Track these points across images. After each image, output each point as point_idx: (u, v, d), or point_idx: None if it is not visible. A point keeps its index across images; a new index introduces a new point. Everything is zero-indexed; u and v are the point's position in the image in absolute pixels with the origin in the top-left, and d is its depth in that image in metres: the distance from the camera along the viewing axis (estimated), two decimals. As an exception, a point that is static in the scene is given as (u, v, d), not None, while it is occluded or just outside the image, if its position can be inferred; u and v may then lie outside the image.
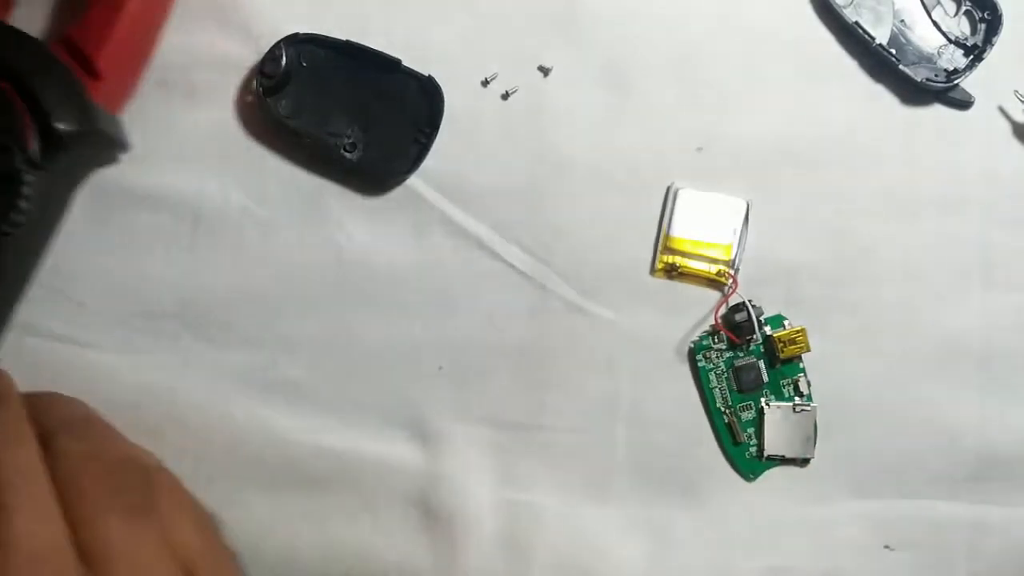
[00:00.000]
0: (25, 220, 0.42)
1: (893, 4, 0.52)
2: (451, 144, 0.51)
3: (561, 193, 0.51)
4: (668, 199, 0.51)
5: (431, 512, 0.50)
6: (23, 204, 0.41)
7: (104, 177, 0.50)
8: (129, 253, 0.50)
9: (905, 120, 0.52)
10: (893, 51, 0.51)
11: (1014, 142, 0.52)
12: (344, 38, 0.50)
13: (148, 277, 0.50)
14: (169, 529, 0.39)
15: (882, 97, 0.52)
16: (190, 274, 0.50)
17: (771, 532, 0.51)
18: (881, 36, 0.52)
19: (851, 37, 0.52)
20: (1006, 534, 0.51)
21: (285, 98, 0.50)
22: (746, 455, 0.51)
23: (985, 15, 0.52)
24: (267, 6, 0.51)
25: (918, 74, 0.51)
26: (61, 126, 0.43)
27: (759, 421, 0.51)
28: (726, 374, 0.51)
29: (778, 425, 0.51)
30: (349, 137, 0.50)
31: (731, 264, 0.51)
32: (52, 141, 0.43)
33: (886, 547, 0.51)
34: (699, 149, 0.51)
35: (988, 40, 0.52)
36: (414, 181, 0.51)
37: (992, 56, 0.51)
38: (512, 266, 0.51)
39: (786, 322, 0.51)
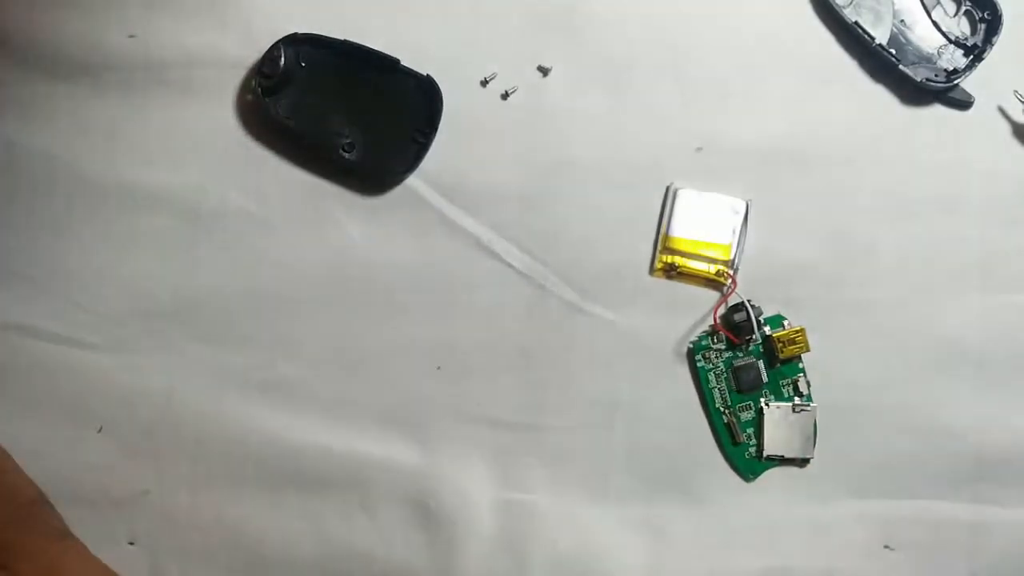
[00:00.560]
0: None
1: (893, 4, 0.52)
2: (450, 144, 0.51)
3: (560, 193, 0.51)
4: (668, 199, 0.51)
5: (430, 512, 0.50)
6: None
7: (103, 177, 0.50)
8: (126, 253, 0.50)
9: (905, 120, 0.52)
10: (893, 51, 0.51)
11: (1014, 142, 0.52)
12: (343, 38, 0.50)
13: (146, 277, 0.50)
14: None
15: (882, 97, 0.52)
16: (188, 274, 0.50)
17: (771, 532, 0.51)
18: (881, 36, 0.52)
19: (851, 37, 0.52)
20: (1006, 534, 0.51)
21: (284, 98, 0.50)
22: (745, 455, 0.51)
23: (985, 15, 0.52)
24: (266, 6, 0.51)
25: (918, 74, 0.51)
26: None
27: (758, 421, 0.51)
28: (725, 374, 0.51)
29: (777, 425, 0.51)
30: (348, 137, 0.50)
31: (730, 264, 0.51)
32: None
33: (886, 547, 0.51)
34: (699, 149, 0.51)
35: (988, 40, 0.52)
36: (413, 181, 0.51)
37: (992, 56, 0.51)
38: (511, 266, 0.51)
39: (785, 322, 0.51)
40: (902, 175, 0.52)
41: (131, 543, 0.49)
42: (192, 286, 0.50)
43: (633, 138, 0.51)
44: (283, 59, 0.49)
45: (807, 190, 0.51)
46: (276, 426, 0.50)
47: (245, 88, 0.50)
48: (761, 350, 0.51)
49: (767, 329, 0.50)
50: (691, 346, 0.51)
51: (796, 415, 0.51)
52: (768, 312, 0.51)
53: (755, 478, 0.51)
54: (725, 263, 0.51)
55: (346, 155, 0.50)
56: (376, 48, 0.50)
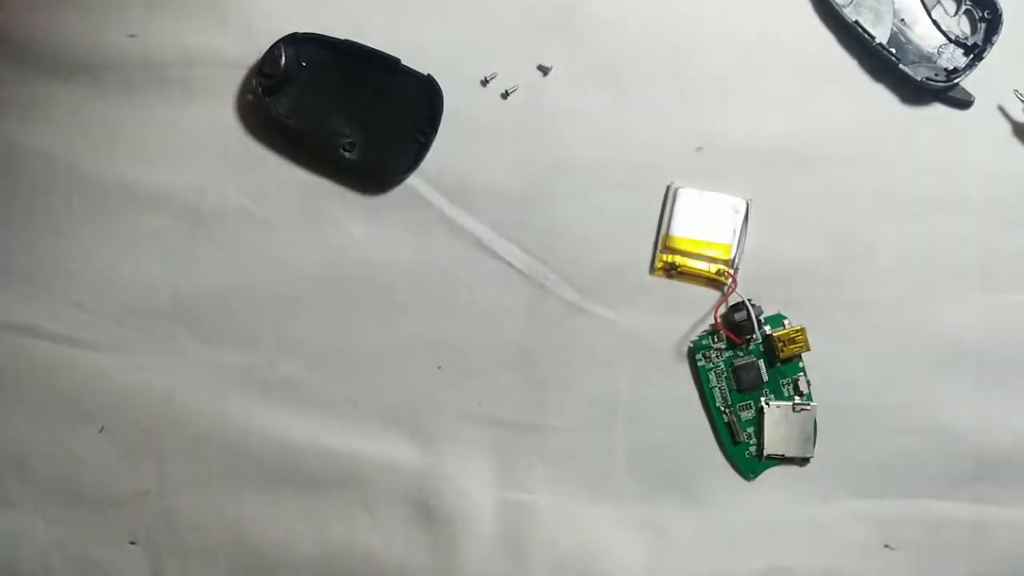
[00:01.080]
0: None
1: (893, 3, 0.52)
2: (451, 144, 0.51)
3: (560, 192, 0.51)
4: (668, 199, 0.51)
5: (431, 512, 0.50)
6: None
7: (103, 177, 0.50)
8: (127, 253, 0.50)
9: (905, 120, 0.52)
10: (893, 50, 0.51)
11: (1014, 142, 0.52)
12: (343, 37, 0.50)
13: (146, 277, 0.50)
14: None
15: (882, 97, 0.52)
16: (188, 274, 0.50)
17: (771, 531, 0.51)
18: (881, 35, 0.52)
19: (851, 36, 0.52)
20: (1006, 534, 0.51)
21: (284, 98, 0.50)
22: (746, 454, 0.51)
23: (985, 14, 0.52)
24: (267, 6, 0.51)
25: (918, 73, 0.51)
26: None
27: (759, 420, 0.51)
28: (726, 373, 0.51)
29: (778, 424, 0.51)
30: (348, 136, 0.50)
31: (731, 263, 0.51)
32: None
33: (886, 546, 0.51)
34: (699, 149, 0.51)
35: (988, 39, 0.51)
36: (414, 181, 0.51)
37: (992, 55, 0.51)
38: (511, 265, 0.51)
39: (786, 321, 0.51)
40: (902, 175, 0.52)
41: (132, 543, 0.50)
42: (192, 286, 0.50)
43: (633, 138, 0.51)
44: (284, 59, 0.49)
45: (807, 190, 0.51)
46: (276, 426, 0.50)
47: (245, 88, 0.50)
48: (761, 349, 0.51)
49: (767, 328, 0.50)
50: (691, 345, 0.51)
51: (796, 414, 0.51)
52: (768, 311, 0.51)
53: (755, 477, 0.51)
54: (725, 262, 0.51)
55: (347, 155, 0.50)
56: (377, 48, 0.50)
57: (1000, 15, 0.51)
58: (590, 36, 0.51)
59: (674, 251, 0.51)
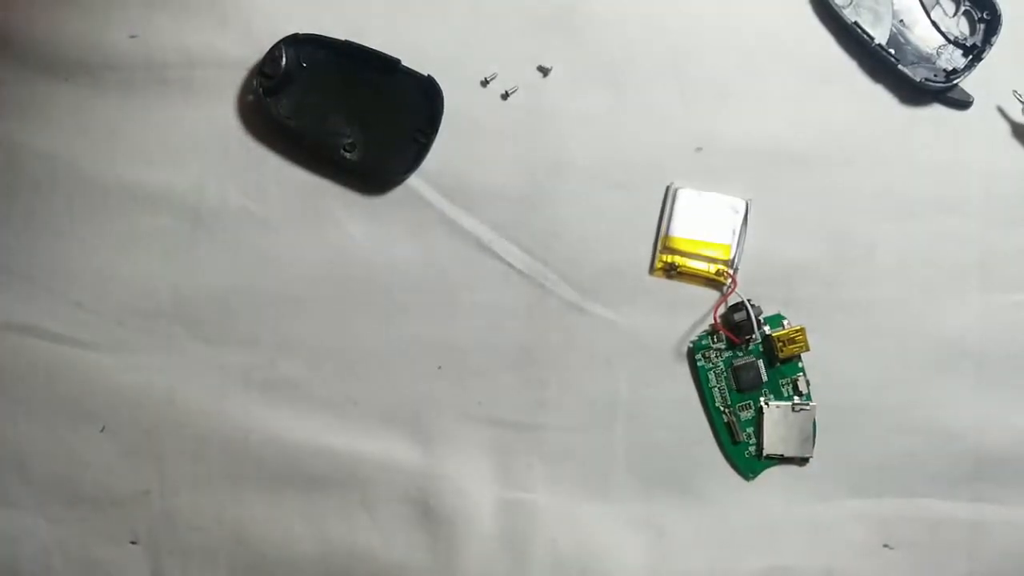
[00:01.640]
0: None
1: (892, 4, 0.52)
2: (451, 144, 0.51)
3: (560, 193, 0.51)
4: (667, 199, 0.51)
5: (431, 512, 0.50)
6: None
7: (103, 177, 0.50)
8: (127, 253, 0.50)
9: (904, 120, 0.52)
10: (892, 51, 0.51)
11: (1013, 142, 0.52)
12: (344, 38, 0.50)
13: (146, 277, 0.50)
14: None
15: (881, 97, 0.52)
16: (188, 274, 0.50)
17: (771, 531, 0.51)
18: (880, 36, 0.52)
19: (850, 37, 0.52)
20: (1005, 533, 0.51)
21: (285, 98, 0.50)
22: (745, 454, 0.51)
23: (984, 15, 0.52)
24: (267, 6, 0.51)
25: (917, 74, 0.51)
26: None
27: (758, 420, 0.51)
28: (725, 373, 0.51)
29: (777, 424, 0.51)
30: (349, 137, 0.50)
31: (730, 263, 0.51)
32: None
33: (885, 546, 0.51)
34: (699, 149, 0.51)
35: (987, 40, 0.52)
36: (414, 181, 0.51)
37: (991, 56, 0.51)
38: (511, 266, 0.51)
39: (785, 321, 0.51)
40: (902, 175, 0.52)
41: (133, 542, 0.50)
42: (192, 286, 0.50)
43: (633, 138, 0.51)
44: (284, 59, 0.49)
45: (807, 190, 0.51)
46: (276, 426, 0.50)
47: (246, 88, 0.50)
48: (761, 349, 0.51)
49: (767, 328, 0.51)
50: (691, 345, 0.51)
51: (796, 414, 0.51)
52: (768, 312, 0.51)
53: (755, 477, 0.51)
54: (725, 263, 0.51)
55: (347, 155, 0.50)
56: (377, 48, 0.50)
57: (999, 16, 0.51)
58: (590, 36, 0.52)
59: (674, 251, 0.51)
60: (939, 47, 0.52)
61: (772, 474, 0.51)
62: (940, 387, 0.51)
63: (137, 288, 0.50)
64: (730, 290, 0.51)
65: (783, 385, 0.51)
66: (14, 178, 0.50)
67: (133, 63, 0.50)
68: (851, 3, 0.52)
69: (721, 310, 0.51)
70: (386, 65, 0.50)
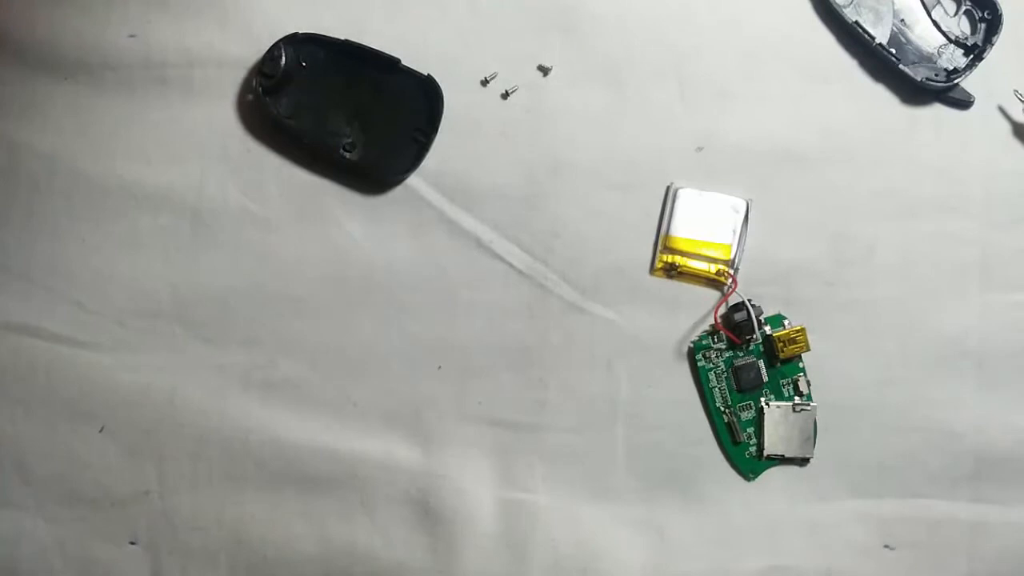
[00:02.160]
0: None
1: (893, 4, 0.52)
2: (451, 144, 0.51)
3: (561, 193, 0.51)
4: (668, 199, 0.51)
5: (431, 512, 0.50)
6: None
7: (103, 177, 0.50)
8: (127, 252, 0.50)
9: (905, 120, 0.52)
10: (893, 51, 0.51)
11: (1014, 142, 0.52)
12: (343, 37, 0.50)
13: (146, 276, 0.50)
14: None
15: (882, 97, 0.52)
16: (188, 273, 0.50)
17: (771, 531, 0.51)
18: (881, 36, 0.52)
19: (851, 37, 0.52)
20: (1005, 534, 0.51)
21: (284, 97, 0.50)
22: (746, 454, 0.51)
23: (985, 15, 0.52)
24: (267, 5, 0.51)
25: (918, 74, 0.51)
26: None
27: (759, 420, 0.51)
28: (726, 374, 0.51)
29: (778, 424, 0.51)
30: (348, 136, 0.50)
31: (731, 263, 0.51)
32: None
33: (885, 546, 0.51)
34: (699, 149, 0.51)
35: (988, 40, 0.52)
36: (414, 181, 0.51)
37: (992, 56, 0.51)
38: (511, 265, 0.51)
39: (786, 322, 0.51)
40: (902, 175, 0.52)
41: (132, 543, 0.50)
42: (192, 286, 0.50)
43: (633, 138, 0.51)
44: (284, 59, 0.49)
45: (807, 190, 0.51)
46: (276, 426, 0.50)
47: (246, 88, 0.50)
48: (761, 350, 0.51)
49: (767, 329, 0.51)
50: (691, 345, 0.51)
51: (796, 414, 0.51)
52: (768, 312, 0.51)
53: (755, 477, 0.51)
54: (725, 263, 0.51)
55: (347, 154, 0.50)
56: (376, 48, 0.50)
57: (1000, 15, 0.51)
58: (590, 36, 0.51)
59: (674, 251, 0.51)
60: (940, 47, 0.52)
61: (773, 474, 0.51)
62: (940, 387, 0.51)
63: (137, 288, 0.50)
64: (731, 290, 0.51)
65: (784, 385, 0.51)
66: (14, 178, 0.50)
67: (133, 63, 0.50)
68: (852, 2, 0.52)
69: (722, 310, 0.51)
70: (386, 64, 0.50)
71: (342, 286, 0.50)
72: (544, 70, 0.51)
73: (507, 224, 0.51)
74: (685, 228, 0.51)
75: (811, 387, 0.51)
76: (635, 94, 0.51)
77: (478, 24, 0.51)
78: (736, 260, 0.51)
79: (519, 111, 0.51)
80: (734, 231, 0.51)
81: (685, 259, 0.51)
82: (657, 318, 0.51)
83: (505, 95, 0.51)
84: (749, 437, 0.51)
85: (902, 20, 0.52)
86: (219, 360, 0.50)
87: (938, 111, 0.52)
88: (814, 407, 0.51)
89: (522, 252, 0.51)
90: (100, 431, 0.49)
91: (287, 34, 0.50)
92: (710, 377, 0.51)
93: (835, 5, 0.51)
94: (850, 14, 0.51)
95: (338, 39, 0.50)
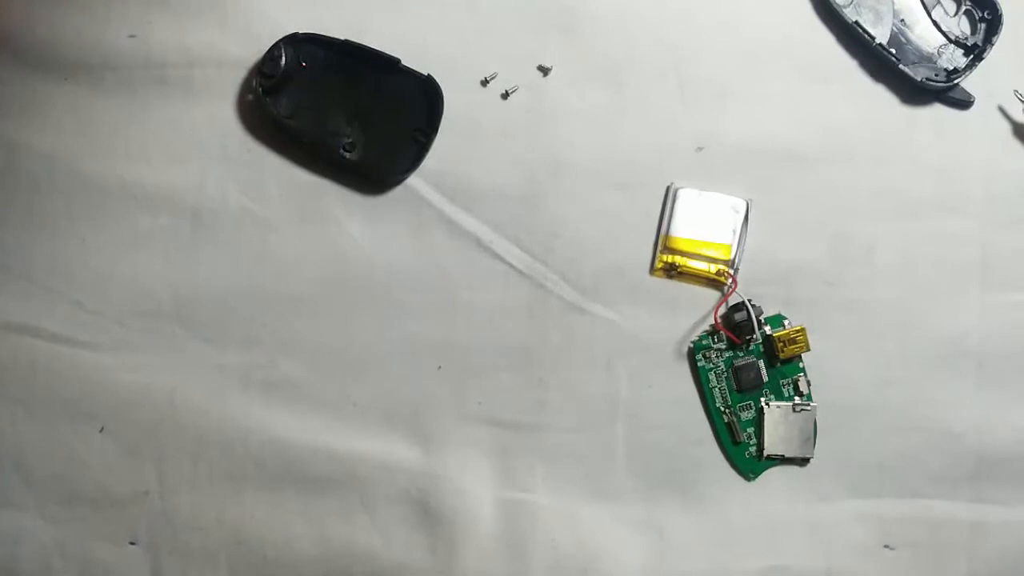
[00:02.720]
0: None
1: (893, 4, 0.52)
2: (451, 144, 0.51)
3: (560, 193, 0.51)
4: (668, 199, 0.51)
5: (431, 512, 0.50)
6: None
7: (103, 177, 0.50)
8: (127, 252, 0.50)
9: (905, 120, 0.52)
10: (893, 51, 0.51)
11: (1014, 142, 0.52)
12: (343, 38, 0.50)
13: (146, 276, 0.50)
14: None
15: (882, 97, 0.52)
16: (188, 273, 0.50)
17: (771, 531, 0.51)
18: (881, 36, 0.52)
19: (851, 37, 0.52)
20: (1006, 534, 0.51)
21: (284, 97, 0.50)
22: (746, 455, 0.51)
23: (985, 15, 0.52)
24: (267, 6, 0.51)
25: (918, 74, 0.51)
26: None
27: (759, 421, 0.51)
28: (726, 374, 0.51)
29: (778, 424, 0.51)
30: (348, 136, 0.50)
31: (731, 264, 0.51)
32: None
33: (886, 546, 0.51)
34: (699, 149, 0.51)
35: (988, 40, 0.52)
36: (413, 181, 0.51)
37: (992, 56, 0.51)
38: (511, 266, 0.51)
39: (786, 322, 0.51)
40: (902, 175, 0.52)
41: (132, 543, 0.50)
42: (192, 286, 0.50)
43: (633, 138, 0.51)
44: (284, 59, 0.49)
45: (807, 190, 0.51)
46: (276, 426, 0.50)
47: (246, 88, 0.50)
48: (761, 350, 0.51)
49: (767, 329, 0.51)
50: (692, 345, 0.51)
51: (796, 415, 0.51)
52: (768, 312, 0.51)
53: (755, 477, 0.51)
54: (725, 263, 0.51)
55: (347, 154, 0.50)
56: (376, 48, 0.50)
57: (1000, 15, 0.51)
58: (590, 36, 0.51)
59: (674, 251, 0.51)
60: (940, 47, 0.52)
61: (773, 474, 0.51)
62: (940, 387, 0.51)
63: (137, 288, 0.50)
64: (731, 290, 0.51)
65: (784, 385, 0.51)
66: (13, 178, 0.50)
67: (133, 63, 0.50)
68: (852, 2, 0.52)
69: (722, 310, 0.51)
70: (386, 64, 0.50)
71: (342, 286, 0.50)
72: (544, 70, 0.51)
73: (507, 224, 0.51)
74: (685, 228, 0.51)
75: (811, 387, 0.51)
76: (635, 94, 0.51)
77: (478, 24, 0.51)
78: (736, 260, 0.51)
79: (519, 111, 0.51)
80: (734, 231, 0.51)
81: (685, 259, 0.51)
82: (657, 318, 0.51)
83: (505, 95, 0.51)
84: (749, 437, 0.51)
85: (902, 20, 0.52)
86: (219, 360, 0.50)
87: (938, 111, 0.52)
88: (814, 407, 0.51)
89: (522, 252, 0.51)
90: (100, 431, 0.49)
91: (287, 34, 0.50)
92: (710, 377, 0.51)
93: (835, 5, 0.51)
94: (850, 14, 0.51)
95: (338, 39, 0.50)
